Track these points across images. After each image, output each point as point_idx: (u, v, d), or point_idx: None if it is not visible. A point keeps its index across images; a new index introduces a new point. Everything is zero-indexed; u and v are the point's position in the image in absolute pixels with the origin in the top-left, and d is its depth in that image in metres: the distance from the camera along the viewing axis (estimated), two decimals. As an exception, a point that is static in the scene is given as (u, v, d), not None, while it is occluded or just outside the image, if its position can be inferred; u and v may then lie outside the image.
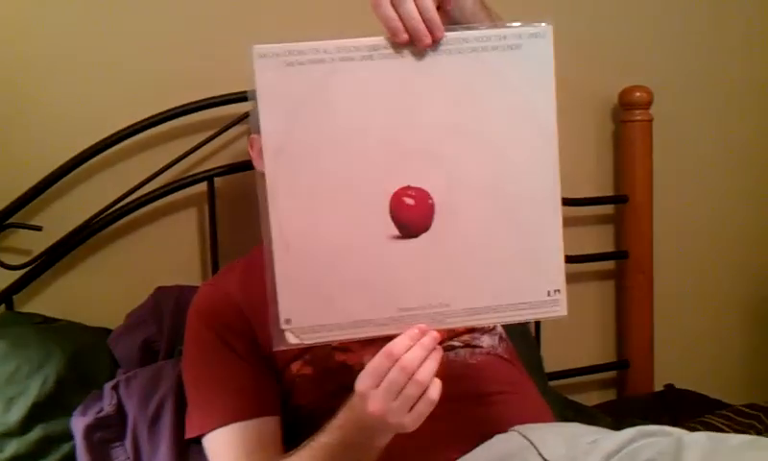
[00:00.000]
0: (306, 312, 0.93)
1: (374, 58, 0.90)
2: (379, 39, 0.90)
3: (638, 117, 2.02)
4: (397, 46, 0.90)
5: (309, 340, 0.94)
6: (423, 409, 0.91)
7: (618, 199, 2.09)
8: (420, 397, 0.90)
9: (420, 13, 0.88)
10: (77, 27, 1.56)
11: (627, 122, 2.05)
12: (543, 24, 0.92)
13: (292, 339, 0.94)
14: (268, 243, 0.92)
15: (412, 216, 0.91)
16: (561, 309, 0.95)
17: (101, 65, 1.58)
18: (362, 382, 0.93)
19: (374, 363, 0.92)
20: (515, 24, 0.93)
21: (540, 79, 0.93)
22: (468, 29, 0.93)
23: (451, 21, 1.07)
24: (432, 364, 0.91)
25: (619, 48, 2.10)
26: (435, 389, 0.91)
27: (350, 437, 1.02)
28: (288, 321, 0.93)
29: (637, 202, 2.05)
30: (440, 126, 0.91)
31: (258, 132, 1.35)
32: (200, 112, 1.60)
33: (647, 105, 2.02)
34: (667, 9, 2.16)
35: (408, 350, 0.90)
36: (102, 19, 1.58)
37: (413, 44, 0.90)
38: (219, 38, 1.66)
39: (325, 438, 1.04)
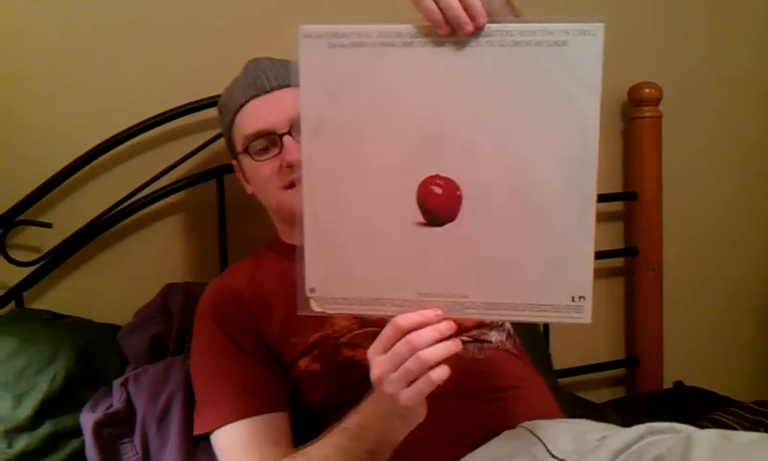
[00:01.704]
0: (330, 284, 0.95)
1: (415, 45, 0.89)
2: (422, 26, 0.89)
3: (648, 114, 2.02)
4: (439, 35, 0.88)
5: (331, 310, 0.97)
6: (423, 387, 0.90)
7: (628, 196, 2.08)
8: (420, 374, 0.90)
9: (461, 1, 0.86)
10: (85, 25, 1.57)
11: (636, 119, 2.04)
12: (594, 22, 0.88)
13: (315, 307, 0.97)
14: (300, 213, 0.95)
15: (438, 205, 0.91)
16: (584, 316, 0.91)
17: (110, 63, 1.59)
18: (371, 348, 0.94)
19: (383, 332, 0.93)
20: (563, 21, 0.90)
21: (586, 79, 0.89)
22: (514, 22, 0.90)
23: None
24: (441, 349, 0.90)
25: (628, 45, 2.09)
26: (439, 372, 0.90)
27: (367, 421, 1.02)
28: (312, 290, 0.96)
29: (647, 198, 2.05)
30: (476, 118, 0.89)
31: (235, 156, 1.37)
32: (209, 110, 1.60)
33: (656, 101, 2.02)
34: (676, 5, 2.15)
35: (414, 324, 0.91)
36: (111, 17, 1.58)
37: (455, 33, 0.88)
38: (229, 35, 1.66)
39: (345, 423, 1.05)
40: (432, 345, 0.90)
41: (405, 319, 0.91)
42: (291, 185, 1.27)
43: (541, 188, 0.90)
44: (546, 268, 0.91)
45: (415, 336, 0.90)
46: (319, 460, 1.07)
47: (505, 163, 0.90)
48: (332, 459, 1.06)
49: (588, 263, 0.90)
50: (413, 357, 0.89)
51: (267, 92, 1.30)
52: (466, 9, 0.86)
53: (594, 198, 0.90)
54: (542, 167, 0.90)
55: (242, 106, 1.31)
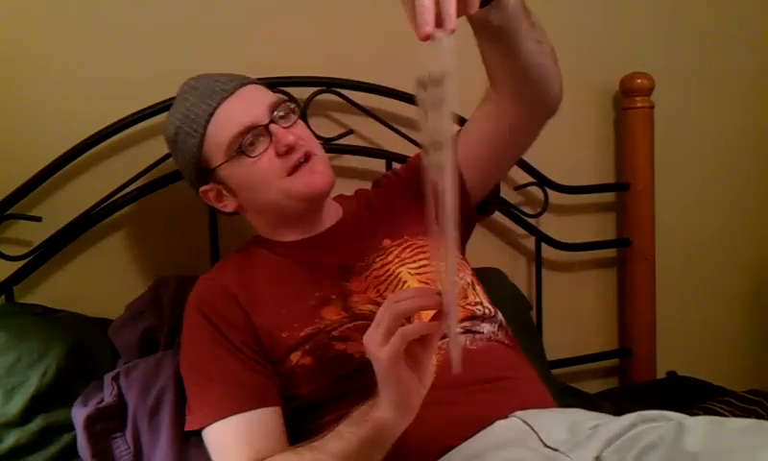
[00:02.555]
0: None
1: None
2: None
3: (639, 104, 2.02)
4: None
5: None
6: (396, 342, 0.93)
7: (620, 186, 2.08)
8: (393, 327, 0.93)
9: (439, 5, 0.82)
10: (75, 19, 1.56)
11: (628, 109, 2.04)
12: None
13: None
14: None
15: None
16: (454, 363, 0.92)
17: (100, 56, 1.58)
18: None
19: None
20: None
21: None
22: None
23: (490, 21, 1.07)
24: (409, 303, 0.93)
25: (620, 35, 2.09)
26: (411, 327, 0.93)
27: (360, 421, 1.03)
28: None
29: (639, 189, 2.05)
30: None
31: (205, 180, 1.34)
32: (198, 102, 1.59)
33: (648, 91, 2.02)
34: (668, -5, 2.16)
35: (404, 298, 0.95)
36: (101, 11, 1.58)
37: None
38: (219, 31, 1.66)
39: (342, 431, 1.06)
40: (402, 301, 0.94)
41: (399, 294, 0.96)
42: (294, 170, 1.28)
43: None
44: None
45: (389, 297, 0.97)
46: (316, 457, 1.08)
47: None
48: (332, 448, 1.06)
49: (452, 304, 0.91)
50: (387, 312, 0.94)
51: (232, 93, 1.30)
52: (438, 12, 0.83)
53: (452, 232, 0.86)
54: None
55: (212, 115, 1.28)
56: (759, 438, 0.88)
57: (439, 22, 0.82)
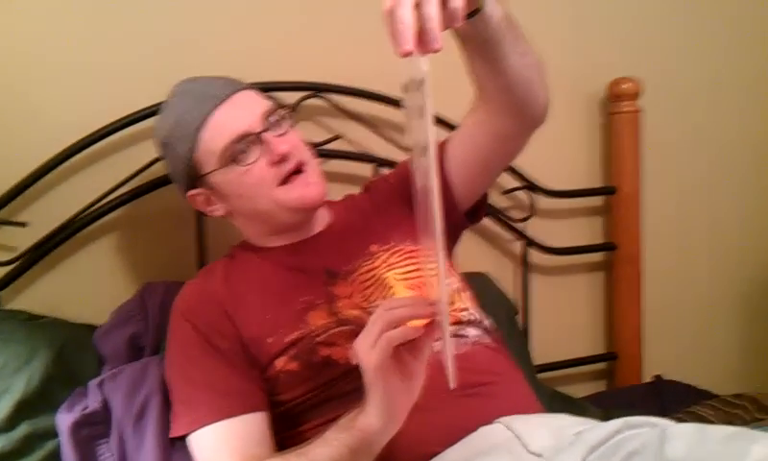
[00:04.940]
0: None
1: None
2: None
3: (626, 109, 2.03)
4: None
5: None
6: (383, 345, 0.94)
7: (607, 190, 2.09)
8: (381, 333, 0.95)
9: (423, 22, 0.82)
10: (62, 26, 1.56)
11: (615, 114, 2.05)
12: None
13: None
14: None
15: None
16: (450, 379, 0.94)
17: (85, 62, 1.57)
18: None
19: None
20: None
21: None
22: None
23: (475, 34, 1.08)
24: (401, 311, 0.95)
25: (608, 39, 2.10)
26: (397, 332, 0.94)
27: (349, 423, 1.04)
28: None
29: (626, 193, 2.05)
30: None
31: (194, 184, 1.33)
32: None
33: (635, 96, 2.02)
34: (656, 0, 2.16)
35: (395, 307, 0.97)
36: (89, 17, 1.57)
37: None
38: (207, 35, 1.66)
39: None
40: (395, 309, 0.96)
41: (393, 301, 0.98)
42: (286, 179, 1.28)
43: None
44: None
45: (383, 304, 0.98)
46: None
47: None
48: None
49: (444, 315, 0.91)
50: (377, 318, 0.96)
51: (225, 100, 1.28)
52: (424, 32, 0.82)
53: (440, 242, 0.86)
54: None
55: (204, 121, 1.27)
56: (742, 446, 0.88)
57: (422, 40, 0.82)
